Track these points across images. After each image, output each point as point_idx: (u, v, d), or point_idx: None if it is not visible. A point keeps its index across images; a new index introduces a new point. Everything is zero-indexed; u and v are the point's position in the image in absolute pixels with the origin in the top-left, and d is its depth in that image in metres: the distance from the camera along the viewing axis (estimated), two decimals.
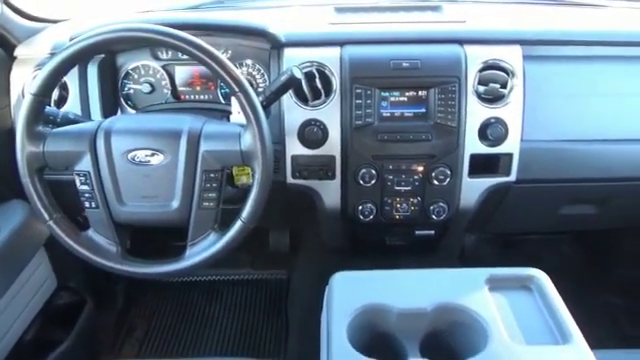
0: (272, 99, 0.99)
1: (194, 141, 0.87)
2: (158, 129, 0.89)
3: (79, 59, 0.87)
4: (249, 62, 1.16)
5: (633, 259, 1.60)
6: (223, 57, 0.85)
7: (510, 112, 1.09)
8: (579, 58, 1.17)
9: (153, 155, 0.88)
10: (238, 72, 0.85)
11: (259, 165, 0.86)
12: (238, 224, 0.89)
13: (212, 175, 0.88)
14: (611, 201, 1.26)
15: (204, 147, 0.87)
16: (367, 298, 0.77)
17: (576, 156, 1.15)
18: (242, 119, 0.89)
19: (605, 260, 1.69)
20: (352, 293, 0.78)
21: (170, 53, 1.18)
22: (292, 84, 0.98)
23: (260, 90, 1.11)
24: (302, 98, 1.08)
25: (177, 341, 1.52)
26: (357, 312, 0.75)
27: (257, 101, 0.86)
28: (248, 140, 0.86)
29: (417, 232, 1.20)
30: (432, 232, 1.20)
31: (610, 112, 1.14)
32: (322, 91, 1.08)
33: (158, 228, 0.97)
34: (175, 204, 0.89)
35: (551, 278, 1.72)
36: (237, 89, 0.84)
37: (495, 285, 0.82)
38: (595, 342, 0.94)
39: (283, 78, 0.96)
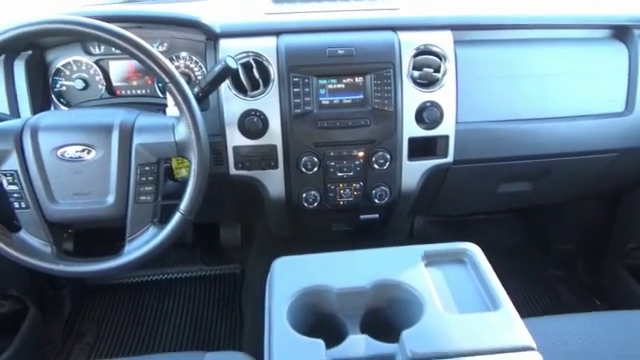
0: (208, 90, 0.98)
1: (126, 134, 0.86)
2: (88, 124, 0.87)
3: None
4: (185, 54, 1.14)
5: (569, 233, 1.70)
6: (152, 48, 0.83)
7: (444, 95, 1.13)
8: (509, 41, 1.22)
9: (84, 151, 0.86)
10: (168, 63, 0.84)
11: (195, 156, 0.86)
12: (177, 217, 0.88)
13: (147, 168, 0.87)
14: (545, 177, 1.33)
15: (137, 140, 0.86)
16: (307, 280, 0.78)
17: (509, 135, 1.20)
18: (177, 111, 0.88)
19: (545, 235, 1.78)
20: (292, 276, 0.79)
21: (103, 48, 1.15)
22: (227, 74, 0.97)
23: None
24: (240, 89, 1.08)
25: (129, 342, 1.49)
26: (297, 294, 0.76)
27: (189, 91, 0.85)
28: (182, 131, 0.86)
29: (362, 217, 1.22)
30: (376, 216, 1.23)
31: (540, 92, 1.20)
32: (260, 81, 1.08)
33: (102, 227, 0.95)
34: (110, 200, 0.88)
35: (498, 255, 1.81)
36: (167, 80, 0.83)
37: (431, 260, 0.84)
38: (538, 311, 1.00)
39: (217, 68, 0.96)
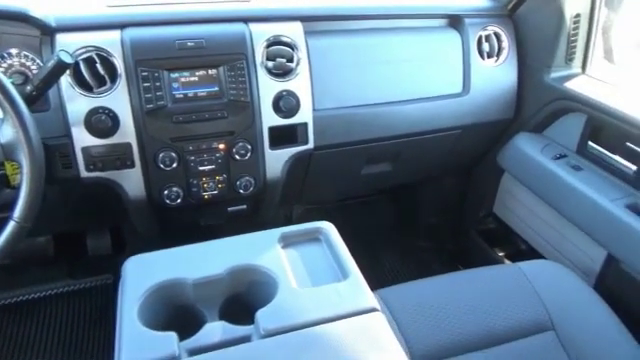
0: (43, 88, 0.91)
1: None
2: None
3: None
4: (16, 51, 1.05)
5: (433, 207, 1.85)
6: None
7: (299, 84, 1.17)
8: (358, 31, 1.29)
9: None
10: None
11: (26, 157, 0.79)
12: (11, 225, 0.81)
13: None
14: (401, 157, 1.43)
15: None
16: (160, 276, 0.77)
17: (364, 119, 1.27)
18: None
19: (414, 211, 1.93)
20: (145, 274, 0.77)
21: None
22: (62, 70, 0.91)
23: None
24: (85, 86, 1.03)
25: None
26: (150, 291, 0.75)
27: (11, 88, 0.79)
28: (7, 132, 0.79)
29: (229, 209, 1.22)
30: (244, 207, 1.24)
31: (389, 77, 1.28)
32: (106, 77, 1.04)
33: None
34: None
35: (373, 233, 1.90)
36: None
37: (288, 242, 0.87)
38: (409, 280, 1.08)
39: (50, 64, 0.89)
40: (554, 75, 1.36)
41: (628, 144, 1.18)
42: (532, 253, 1.48)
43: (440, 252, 1.84)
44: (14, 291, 1.53)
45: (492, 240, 1.65)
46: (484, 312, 1.00)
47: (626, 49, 1.39)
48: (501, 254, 1.61)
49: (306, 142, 1.21)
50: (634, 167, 1.17)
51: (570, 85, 1.32)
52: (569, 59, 1.36)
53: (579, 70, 1.38)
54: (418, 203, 1.87)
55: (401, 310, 0.99)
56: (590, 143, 1.29)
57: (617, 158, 1.22)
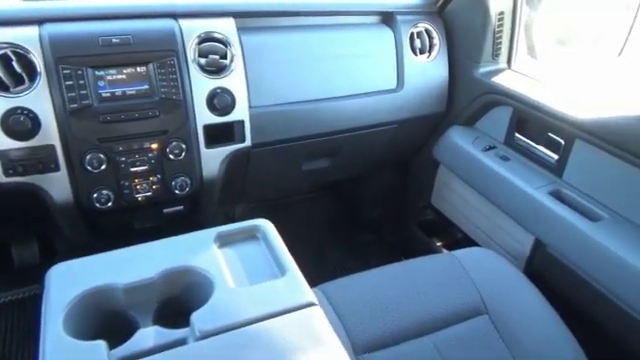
0: None
1: None
2: None
3: None
4: None
5: (374, 202, 1.88)
6: None
7: (234, 81, 1.15)
8: (293, 28, 1.28)
9: None
10: None
11: None
12: None
13: None
14: (340, 152, 1.44)
15: None
16: (88, 282, 0.73)
17: (303, 115, 1.27)
18: None
19: (356, 206, 1.95)
20: (70, 282, 0.73)
21: None
22: None
23: None
24: (0, 85, 0.96)
25: None
26: (77, 299, 0.71)
27: None
28: None
29: (165, 210, 1.19)
30: (181, 208, 1.20)
31: (327, 74, 1.29)
32: (24, 75, 0.98)
33: None
34: None
35: (317, 229, 1.89)
36: None
37: (225, 241, 0.86)
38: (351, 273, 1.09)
39: None
40: (482, 70, 1.41)
41: (550, 134, 1.25)
42: (467, 241, 1.53)
43: (382, 245, 1.87)
44: None
45: (431, 231, 1.70)
46: (422, 300, 1.03)
47: (546, 45, 1.48)
48: (439, 244, 1.66)
49: (243, 140, 1.20)
50: (555, 156, 1.24)
51: (497, 79, 1.38)
52: (495, 55, 1.42)
53: (505, 65, 1.44)
54: (359, 197, 1.90)
55: (343, 303, 1.00)
56: (516, 134, 1.36)
57: (540, 148, 1.30)
